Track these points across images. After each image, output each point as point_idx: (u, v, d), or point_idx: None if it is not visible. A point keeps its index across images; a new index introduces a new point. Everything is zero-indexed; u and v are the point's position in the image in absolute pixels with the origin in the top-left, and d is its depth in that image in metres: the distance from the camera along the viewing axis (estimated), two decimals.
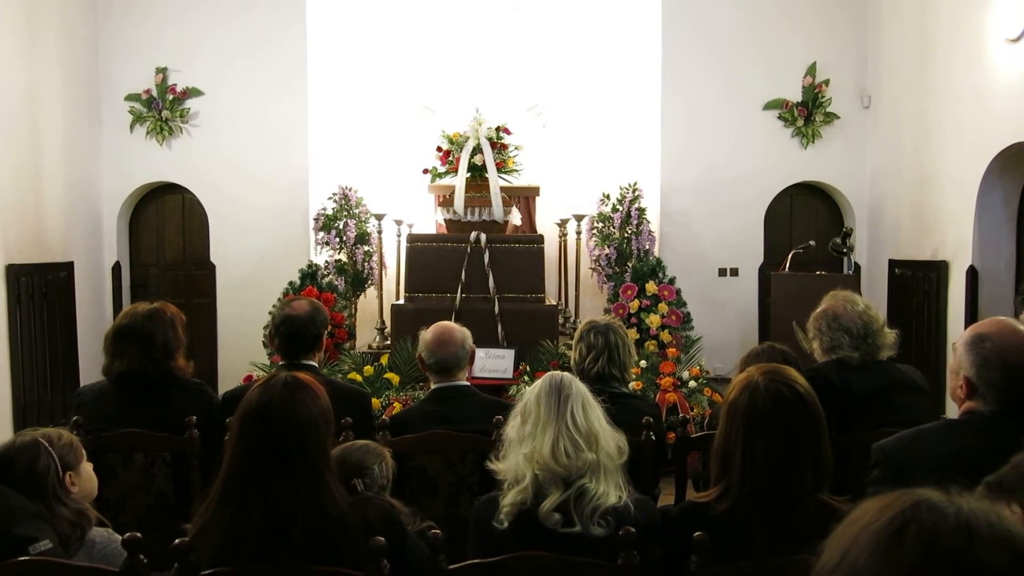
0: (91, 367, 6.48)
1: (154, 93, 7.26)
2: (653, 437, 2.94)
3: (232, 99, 7.25)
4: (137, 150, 7.31)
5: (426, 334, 3.25)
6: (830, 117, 7.31)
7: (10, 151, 5.99)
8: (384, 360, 5.80)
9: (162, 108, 7.24)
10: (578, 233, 6.84)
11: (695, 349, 6.29)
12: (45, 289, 6.40)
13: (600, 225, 6.84)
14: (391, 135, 7.29)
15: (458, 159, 6.49)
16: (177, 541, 1.83)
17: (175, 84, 7.25)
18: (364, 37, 7.36)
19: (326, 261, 6.70)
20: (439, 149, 6.74)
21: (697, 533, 1.89)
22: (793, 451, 1.99)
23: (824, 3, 7.31)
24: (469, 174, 6.40)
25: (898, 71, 6.76)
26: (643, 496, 2.25)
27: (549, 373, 2.29)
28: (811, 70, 7.28)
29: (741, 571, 1.93)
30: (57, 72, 6.62)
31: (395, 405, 5.20)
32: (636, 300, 6.18)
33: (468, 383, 3.26)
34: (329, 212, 6.78)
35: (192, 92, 7.28)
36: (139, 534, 1.87)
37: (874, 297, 6.61)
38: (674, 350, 5.99)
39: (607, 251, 6.70)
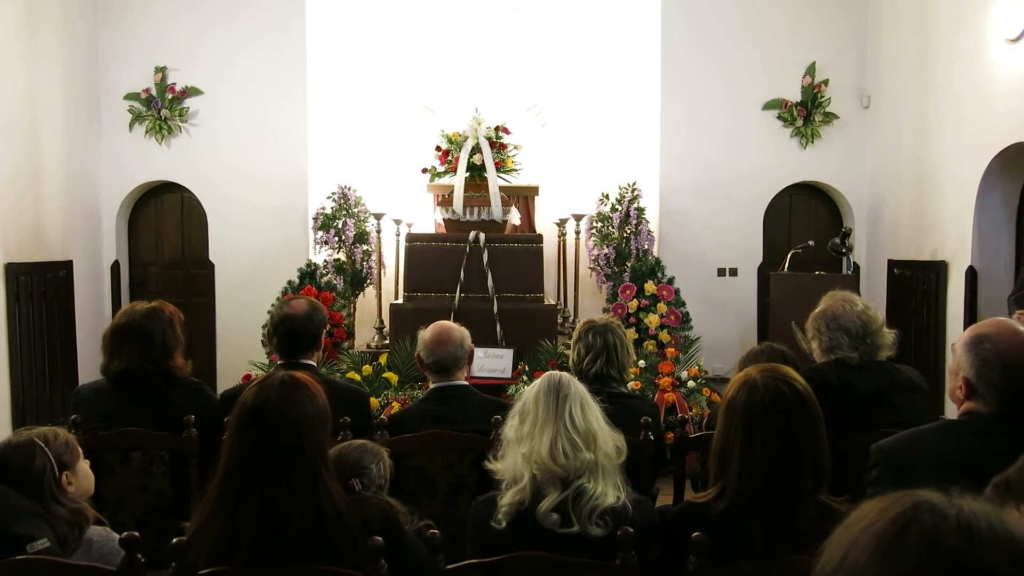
0: (90, 366, 6.47)
1: (153, 92, 7.25)
2: (651, 437, 2.94)
3: (231, 98, 7.24)
4: (136, 149, 7.30)
5: (425, 333, 3.25)
6: (829, 117, 7.31)
7: (9, 150, 5.98)
8: (383, 359, 5.80)
9: (161, 107, 7.23)
10: (577, 233, 6.83)
11: (694, 349, 6.28)
12: (44, 288, 6.39)
13: (599, 225, 6.83)
14: (390, 134, 7.28)
15: (457, 158, 6.49)
16: (174, 540, 1.83)
17: (174, 83, 7.24)
18: (363, 36, 7.35)
19: (325, 260, 6.69)
20: (438, 148, 6.74)
21: (695, 533, 1.88)
22: (792, 449, 1.99)
23: (824, 3, 7.30)
24: (468, 174, 6.40)
25: (898, 71, 6.75)
26: (641, 496, 2.25)
27: (547, 373, 2.29)
28: (810, 70, 7.27)
29: (739, 572, 1.92)
30: (56, 71, 6.62)
31: (394, 404, 5.20)
32: (635, 300, 6.18)
33: (467, 383, 3.26)
34: (328, 211, 6.77)
35: (191, 91, 7.27)
36: (137, 533, 1.87)
37: (873, 297, 6.61)
38: (673, 350, 5.99)
39: (606, 251, 6.70)
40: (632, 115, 7.34)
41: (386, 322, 6.49)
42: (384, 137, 7.29)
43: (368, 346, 6.47)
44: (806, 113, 7.27)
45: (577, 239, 6.84)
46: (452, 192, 6.40)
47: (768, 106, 7.32)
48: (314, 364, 3.29)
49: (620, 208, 6.74)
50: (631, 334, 5.71)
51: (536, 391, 2.20)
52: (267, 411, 1.93)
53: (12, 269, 5.98)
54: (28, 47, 6.22)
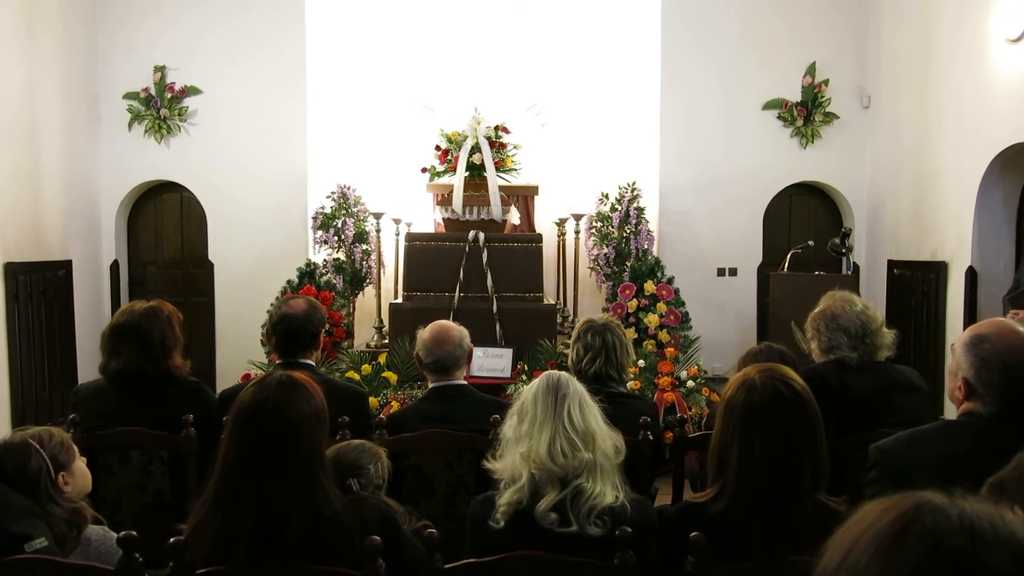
0: (89, 365, 6.47)
1: (152, 91, 7.24)
2: (650, 437, 2.94)
3: (231, 97, 7.23)
4: (135, 148, 7.30)
5: (424, 333, 3.24)
6: (829, 117, 7.30)
7: (8, 149, 5.98)
8: (382, 359, 5.80)
9: (160, 106, 7.22)
10: (576, 232, 6.83)
11: (693, 349, 6.28)
12: (43, 287, 6.39)
13: (599, 224, 6.83)
14: (390, 134, 7.28)
15: (457, 158, 6.48)
16: (172, 540, 1.83)
17: (173, 82, 7.23)
18: (363, 36, 7.35)
19: (324, 260, 6.69)
20: (438, 148, 6.74)
21: (694, 533, 1.88)
22: (790, 448, 1.99)
23: (823, 3, 7.30)
24: (468, 173, 6.40)
25: (898, 71, 6.75)
26: (640, 496, 2.25)
27: (546, 372, 2.28)
28: (810, 70, 7.27)
29: (738, 572, 1.92)
30: (55, 70, 6.61)
31: (393, 404, 5.20)
32: (634, 300, 6.18)
33: (466, 382, 3.26)
34: (327, 211, 6.76)
35: (191, 90, 7.26)
36: (135, 532, 1.86)
37: (873, 297, 6.61)
38: (672, 350, 5.99)
39: (606, 250, 6.69)
40: (632, 115, 7.34)
41: (385, 321, 6.48)
42: (384, 136, 7.29)
43: (367, 345, 6.47)
44: (806, 113, 7.27)
45: (577, 239, 6.83)
46: (452, 191, 6.39)
47: (768, 106, 7.32)
48: (313, 363, 3.28)
49: (620, 208, 6.74)
50: (631, 334, 5.71)
51: (535, 390, 2.20)
52: (264, 411, 1.92)
53: (11, 269, 5.97)
54: (27, 46, 6.21)
